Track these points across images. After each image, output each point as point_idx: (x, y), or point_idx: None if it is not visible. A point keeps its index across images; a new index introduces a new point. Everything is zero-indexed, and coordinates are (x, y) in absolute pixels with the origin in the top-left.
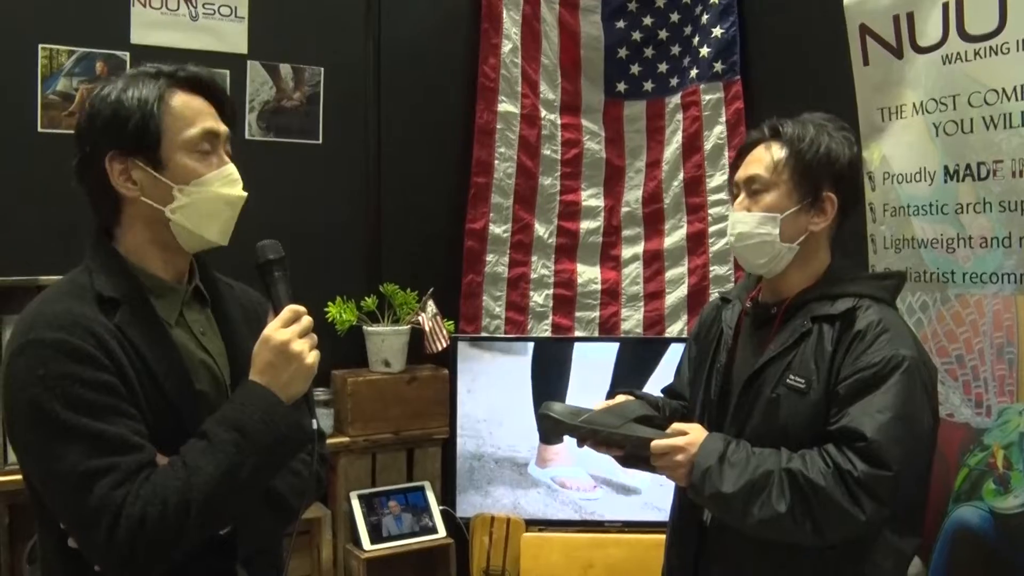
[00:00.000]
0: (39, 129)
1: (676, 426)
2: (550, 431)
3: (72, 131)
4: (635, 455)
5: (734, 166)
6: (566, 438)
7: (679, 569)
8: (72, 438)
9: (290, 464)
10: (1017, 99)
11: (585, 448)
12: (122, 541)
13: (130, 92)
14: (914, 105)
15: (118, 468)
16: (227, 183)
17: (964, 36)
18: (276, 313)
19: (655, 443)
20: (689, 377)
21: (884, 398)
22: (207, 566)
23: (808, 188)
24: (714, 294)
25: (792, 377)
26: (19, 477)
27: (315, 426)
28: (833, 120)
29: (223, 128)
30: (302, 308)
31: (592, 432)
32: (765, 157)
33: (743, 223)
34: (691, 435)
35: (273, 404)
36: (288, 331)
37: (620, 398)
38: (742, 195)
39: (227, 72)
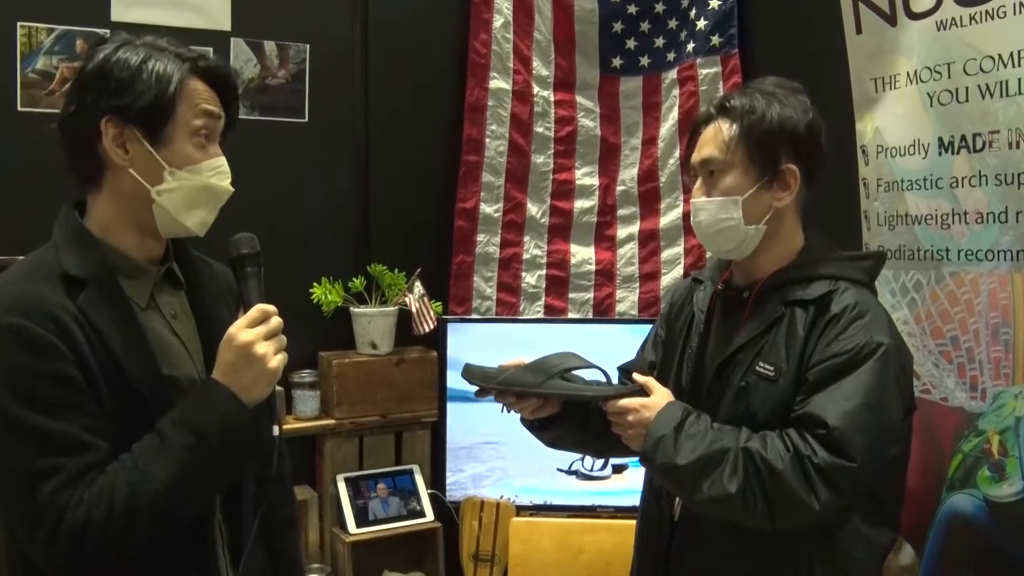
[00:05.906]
0: (18, 108)
1: (646, 381)
2: (477, 391)
3: (53, 110)
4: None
5: (688, 147)
6: None
7: (650, 562)
8: (20, 434)
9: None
10: (1014, 65)
11: None
12: (63, 544)
13: (151, 65)
14: (908, 74)
15: (64, 470)
16: (218, 174)
17: (959, 0)
18: (245, 311)
19: (612, 403)
20: (656, 360)
21: (853, 384)
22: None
23: (766, 163)
24: None
25: (761, 364)
26: None
27: (276, 432)
28: (785, 85)
29: (223, 113)
30: (272, 308)
31: (507, 392)
32: (716, 137)
33: (704, 210)
34: (652, 397)
35: (232, 408)
36: (253, 332)
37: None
38: (699, 180)
39: (210, 50)
